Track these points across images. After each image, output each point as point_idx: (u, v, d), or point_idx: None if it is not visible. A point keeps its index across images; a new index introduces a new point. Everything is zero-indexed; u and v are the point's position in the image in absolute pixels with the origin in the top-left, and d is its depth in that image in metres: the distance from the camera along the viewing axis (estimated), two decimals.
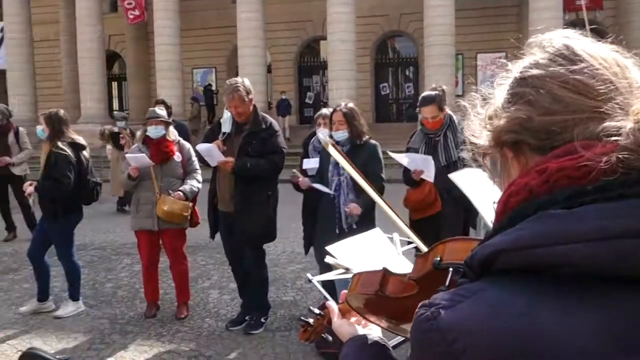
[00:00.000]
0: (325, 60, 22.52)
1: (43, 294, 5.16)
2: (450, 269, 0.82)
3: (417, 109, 4.35)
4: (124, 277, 6.24)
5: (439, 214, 4.19)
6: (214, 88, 25.56)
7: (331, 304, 1.18)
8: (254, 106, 4.50)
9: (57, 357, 3.28)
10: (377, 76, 25.41)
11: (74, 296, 5.13)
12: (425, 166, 4.11)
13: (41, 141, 5.28)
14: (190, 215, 4.86)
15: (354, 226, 4.03)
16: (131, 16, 22.60)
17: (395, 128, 20.10)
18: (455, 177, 3.00)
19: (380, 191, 4.22)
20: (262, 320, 4.59)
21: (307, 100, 26.13)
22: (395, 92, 26.08)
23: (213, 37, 25.37)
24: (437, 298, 0.67)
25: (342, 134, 4.14)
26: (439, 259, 0.86)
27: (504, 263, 0.64)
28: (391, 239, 1.62)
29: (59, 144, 4.91)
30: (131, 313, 5.03)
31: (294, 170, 4.55)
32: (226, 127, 4.43)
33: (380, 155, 4.28)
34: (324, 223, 4.20)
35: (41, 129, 5.00)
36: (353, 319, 1.15)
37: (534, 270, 0.63)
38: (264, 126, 4.44)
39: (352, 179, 4.12)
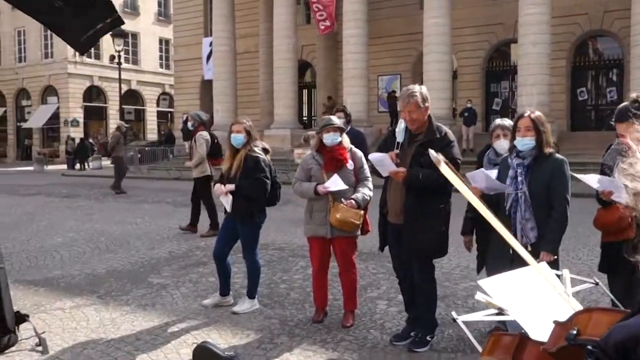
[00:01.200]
0: (515, 65, 21.35)
1: (224, 289, 5.54)
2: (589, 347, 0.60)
3: (612, 121, 3.84)
4: (298, 279, 6.45)
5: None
6: (397, 94, 25.69)
7: None
8: (429, 116, 4.34)
9: (226, 353, 3.46)
10: (574, 80, 23.38)
11: (251, 294, 5.42)
12: (614, 187, 3.60)
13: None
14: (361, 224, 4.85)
15: (529, 248, 3.64)
16: (322, 27, 23.67)
17: (593, 137, 18.28)
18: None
19: (562, 215, 3.75)
20: (428, 338, 4.38)
21: (494, 107, 25.01)
22: (595, 97, 23.74)
23: (399, 44, 25.50)
24: None
25: (528, 142, 3.76)
26: (575, 331, 0.64)
27: None
28: (560, 275, 1.37)
29: (254, 148, 5.30)
30: (300, 316, 5.16)
31: None
32: (400, 136, 4.33)
33: (568, 172, 3.81)
34: (497, 241, 3.85)
35: (242, 136, 5.35)
36: None
37: None
38: (438, 135, 4.27)
39: (530, 195, 3.75)
